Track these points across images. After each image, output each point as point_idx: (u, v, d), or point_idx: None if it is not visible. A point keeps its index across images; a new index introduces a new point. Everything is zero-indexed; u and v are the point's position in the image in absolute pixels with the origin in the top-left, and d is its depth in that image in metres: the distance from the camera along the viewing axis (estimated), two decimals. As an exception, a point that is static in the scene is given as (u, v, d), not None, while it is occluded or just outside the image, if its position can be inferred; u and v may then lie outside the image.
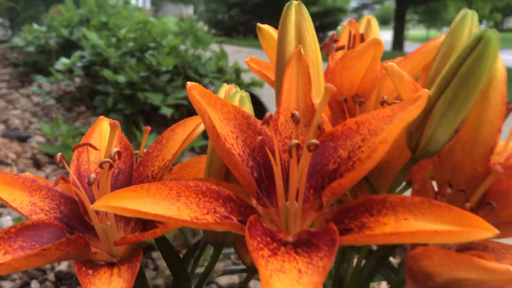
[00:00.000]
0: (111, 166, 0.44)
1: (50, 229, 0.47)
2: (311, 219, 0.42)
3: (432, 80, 0.52)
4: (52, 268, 1.13)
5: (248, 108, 0.46)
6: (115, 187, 0.51)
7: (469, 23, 0.49)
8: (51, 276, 1.09)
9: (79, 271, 0.41)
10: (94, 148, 0.47)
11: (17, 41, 4.06)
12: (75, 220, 0.50)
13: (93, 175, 0.43)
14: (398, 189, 0.57)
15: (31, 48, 3.80)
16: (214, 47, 3.29)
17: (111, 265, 0.43)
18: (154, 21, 3.06)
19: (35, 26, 4.07)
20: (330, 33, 0.68)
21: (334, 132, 0.42)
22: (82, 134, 2.61)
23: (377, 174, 0.49)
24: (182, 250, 1.28)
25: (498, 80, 0.40)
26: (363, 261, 0.54)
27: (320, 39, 0.47)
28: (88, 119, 2.73)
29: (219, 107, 0.44)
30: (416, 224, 0.34)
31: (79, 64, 2.87)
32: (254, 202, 0.43)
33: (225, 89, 0.61)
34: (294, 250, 0.35)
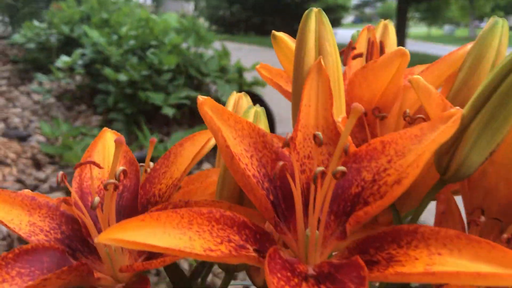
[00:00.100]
0: (116, 187, 0.41)
1: (51, 252, 0.44)
2: (332, 248, 0.39)
3: (457, 93, 0.49)
4: None
5: (264, 125, 0.43)
6: (119, 205, 0.48)
7: (499, 32, 0.46)
8: None
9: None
10: (98, 166, 0.44)
11: (17, 38, 4.03)
12: (77, 242, 0.47)
13: (97, 199, 0.40)
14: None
15: (31, 45, 3.77)
16: (216, 45, 3.25)
17: (115, 293, 0.40)
18: (156, 19, 3.03)
19: (36, 22, 4.03)
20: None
21: (357, 152, 0.39)
22: (83, 134, 2.59)
23: (401, 195, 0.46)
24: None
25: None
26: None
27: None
28: (89, 118, 2.70)
29: (233, 124, 0.41)
30: (453, 262, 0.31)
31: (80, 62, 2.84)
32: (269, 227, 0.40)
33: (234, 98, 0.58)
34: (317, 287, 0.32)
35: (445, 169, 0.39)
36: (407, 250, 0.34)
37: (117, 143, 0.42)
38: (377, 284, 0.54)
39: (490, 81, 0.35)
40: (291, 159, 0.38)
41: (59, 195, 2.04)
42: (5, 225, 0.45)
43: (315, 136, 0.36)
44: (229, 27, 18.32)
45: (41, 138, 2.41)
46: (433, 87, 0.45)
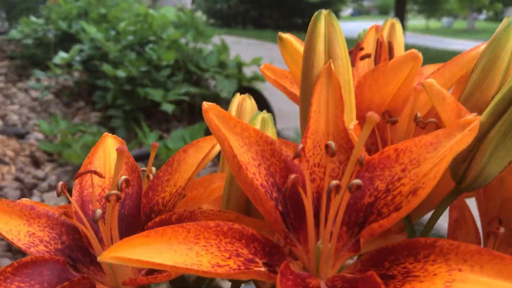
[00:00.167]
0: (118, 198, 0.39)
1: (51, 264, 0.42)
2: (344, 260, 0.37)
3: (470, 96, 0.47)
4: None
5: (271, 132, 0.41)
6: (122, 214, 0.47)
7: (515, 33, 0.44)
8: None
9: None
10: (100, 175, 0.42)
11: (14, 33, 4.00)
12: (78, 252, 0.45)
13: (99, 211, 0.38)
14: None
15: (29, 41, 3.74)
16: (215, 39, 3.22)
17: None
18: (154, 13, 3.00)
19: (33, 18, 3.99)
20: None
21: (370, 160, 0.38)
22: (81, 131, 2.57)
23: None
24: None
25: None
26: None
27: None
28: (87, 114, 2.68)
29: (240, 132, 0.39)
30: (474, 279, 0.29)
31: (78, 58, 2.81)
32: (278, 239, 0.39)
33: (237, 100, 0.56)
34: (332, 305, 0.31)
35: (462, 177, 0.38)
36: (424, 264, 0.32)
37: (119, 152, 0.40)
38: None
39: (509, 88, 0.34)
40: (301, 169, 0.37)
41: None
42: (4, 237, 0.43)
43: (327, 146, 0.34)
44: (227, 20, 18.24)
45: (40, 136, 2.39)
46: (444, 88, 0.44)
